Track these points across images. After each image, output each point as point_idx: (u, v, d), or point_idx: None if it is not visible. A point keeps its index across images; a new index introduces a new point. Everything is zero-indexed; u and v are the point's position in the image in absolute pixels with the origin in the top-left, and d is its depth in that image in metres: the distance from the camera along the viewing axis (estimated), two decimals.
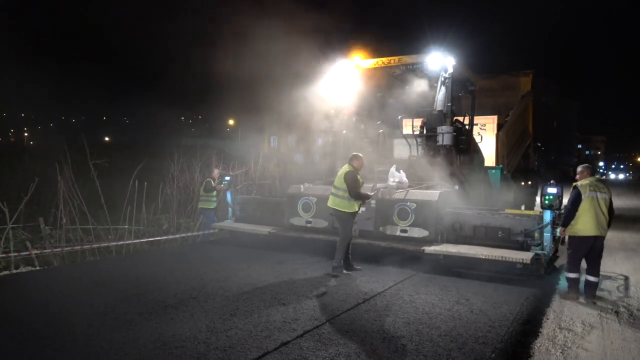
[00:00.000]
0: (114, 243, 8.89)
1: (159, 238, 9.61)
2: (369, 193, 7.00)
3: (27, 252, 7.73)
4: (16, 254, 7.65)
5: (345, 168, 6.80)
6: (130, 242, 9.07)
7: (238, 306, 5.03)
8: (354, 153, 6.96)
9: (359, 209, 6.84)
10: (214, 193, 10.13)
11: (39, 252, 7.87)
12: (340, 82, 9.14)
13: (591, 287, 5.81)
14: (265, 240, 8.55)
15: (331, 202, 6.81)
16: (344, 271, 6.61)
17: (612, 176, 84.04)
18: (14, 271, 7.18)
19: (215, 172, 10.54)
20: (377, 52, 9.29)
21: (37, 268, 7.57)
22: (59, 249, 8.16)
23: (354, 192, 6.58)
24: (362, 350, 3.91)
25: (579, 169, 6.15)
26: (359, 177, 6.75)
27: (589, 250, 5.79)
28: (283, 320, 4.61)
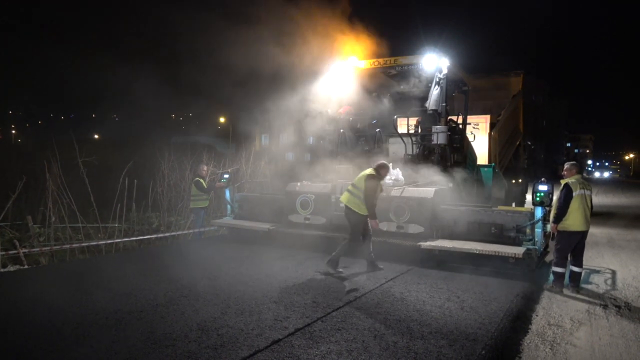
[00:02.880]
0: (104, 242, 8.82)
1: (149, 236, 9.56)
2: (375, 220, 6.51)
3: (15, 251, 7.64)
4: (4, 252, 7.56)
5: (369, 171, 6.61)
6: (120, 240, 9.01)
7: (229, 304, 5.01)
8: (383, 162, 6.72)
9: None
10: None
11: (27, 250, 7.78)
12: (337, 82, 9.24)
13: (576, 277, 6.17)
14: (262, 237, 8.62)
15: (345, 199, 6.63)
16: (338, 269, 6.52)
17: (597, 174, 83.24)
18: (2, 270, 7.09)
19: (204, 168, 10.33)
20: (373, 52, 9.39)
21: (26, 267, 7.48)
22: (48, 248, 8.08)
23: (369, 200, 6.37)
24: (354, 347, 3.92)
25: (567, 166, 6.38)
26: (380, 185, 6.59)
27: (576, 244, 6.10)
28: (274, 318, 4.60)
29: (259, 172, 14.14)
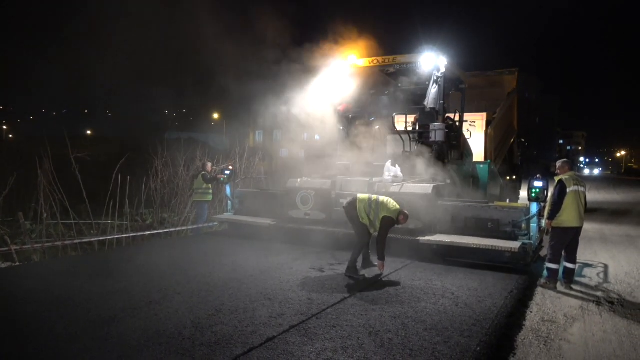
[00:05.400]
0: (96, 238, 8.75)
1: (143, 233, 9.49)
2: (382, 262, 6.21)
3: (7, 248, 7.56)
4: None
5: (391, 210, 6.18)
6: (113, 237, 8.94)
7: (223, 302, 4.98)
8: (406, 211, 6.37)
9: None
10: (210, 186, 10.19)
11: (18, 247, 7.70)
12: (336, 80, 9.31)
13: (569, 274, 6.19)
14: (262, 232, 8.70)
15: (360, 212, 6.25)
16: (360, 273, 6.26)
17: (587, 171, 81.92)
18: None
19: (209, 165, 10.58)
20: (371, 51, 9.45)
21: (17, 264, 7.41)
22: (40, 245, 8.00)
23: (380, 240, 6.13)
24: (349, 344, 3.91)
25: (559, 163, 6.43)
26: (394, 224, 6.31)
27: (570, 240, 6.13)
28: (269, 315, 4.58)
29: (253, 169, 14.10)
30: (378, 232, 6.19)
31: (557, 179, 6.21)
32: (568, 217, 6.01)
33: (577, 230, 6.11)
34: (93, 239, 8.70)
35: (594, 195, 24.47)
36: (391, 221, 6.20)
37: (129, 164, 10.38)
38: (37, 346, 3.82)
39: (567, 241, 6.12)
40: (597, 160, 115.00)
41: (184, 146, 13.01)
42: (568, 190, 6.00)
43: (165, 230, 10.04)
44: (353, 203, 6.36)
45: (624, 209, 17.58)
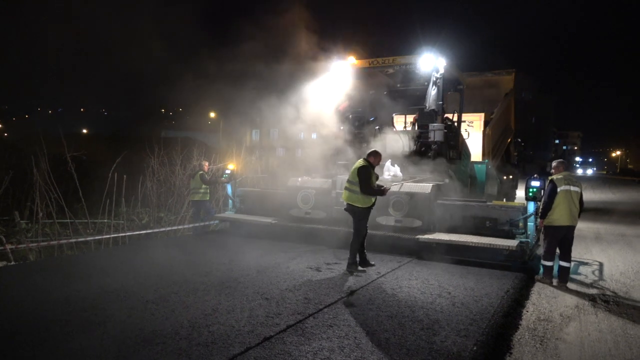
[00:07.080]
0: (92, 237, 8.72)
1: (139, 232, 9.46)
2: (382, 187, 6.54)
3: (2, 247, 7.52)
4: None
5: (359, 162, 6.53)
6: (109, 236, 8.91)
7: (220, 301, 4.97)
8: (373, 150, 6.68)
9: (374, 204, 6.60)
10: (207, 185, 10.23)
11: (14, 246, 7.66)
12: (336, 80, 9.37)
13: (564, 272, 6.26)
14: (263, 231, 8.78)
15: (346, 197, 6.52)
16: (359, 267, 6.46)
17: (580, 171, 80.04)
18: None
19: (206, 165, 10.57)
20: (371, 52, 9.52)
21: (12, 263, 7.37)
22: (35, 244, 7.97)
23: (366, 188, 6.30)
24: (346, 344, 3.91)
25: (554, 163, 6.55)
26: (373, 172, 6.53)
27: (563, 239, 6.22)
28: (266, 315, 4.58)
29: (250, 168, 14.09)
30: (361, 187, 6.29)
31: (549, 178, 6.31)
32: (558, 215, 6.12)
33: (568, 229, 6.19)
34: (89, 238, 8.66)
35: (589, 195, 24.59)
36: (366, 169, 6.36)
37: (125, 163, 10.35)
38: (32, 346, 3.80)
39: (558, 239, 6.22)
40: (590, 160, 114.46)
41: (181, 145, 12.98)
42: (559, 189, 6.12)
43: (162, 230, 10.02)
44: (347, 206, 6.57)
45: (620, 209, 17.66)
